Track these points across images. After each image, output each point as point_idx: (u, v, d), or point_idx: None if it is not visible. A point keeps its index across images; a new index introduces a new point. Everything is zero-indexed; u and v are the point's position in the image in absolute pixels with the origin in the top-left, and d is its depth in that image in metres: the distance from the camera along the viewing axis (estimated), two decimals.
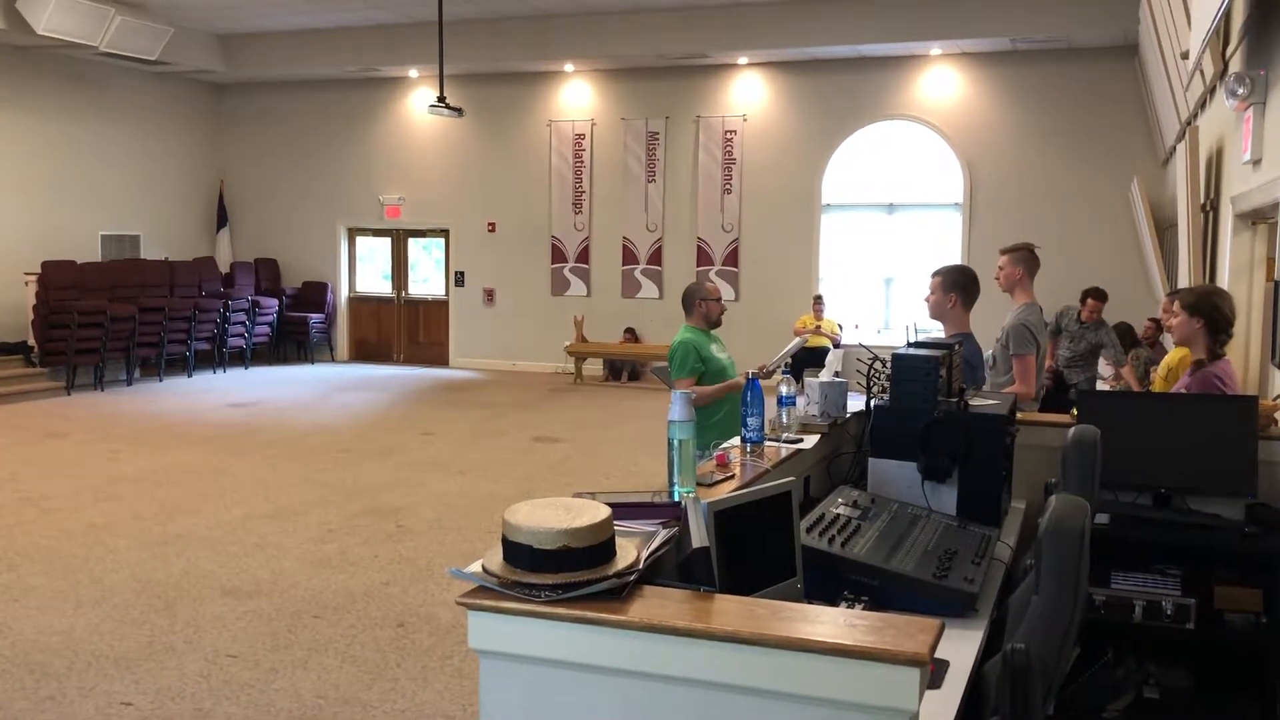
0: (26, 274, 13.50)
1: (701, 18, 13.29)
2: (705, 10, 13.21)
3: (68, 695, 4.48)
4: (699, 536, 2.09)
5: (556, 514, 1.98)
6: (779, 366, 5.63)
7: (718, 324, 5.52)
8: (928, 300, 4.88)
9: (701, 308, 5.45)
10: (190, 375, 14.56)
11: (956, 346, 3.70)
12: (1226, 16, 5.51)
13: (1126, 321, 10.15)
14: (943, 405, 3.28)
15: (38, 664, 4.79)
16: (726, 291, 14.41)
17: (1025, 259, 5.08)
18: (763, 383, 3.57)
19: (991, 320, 5.24)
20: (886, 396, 3.40)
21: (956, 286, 4.77)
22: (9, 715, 4.31)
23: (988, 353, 5.05)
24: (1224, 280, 6.13)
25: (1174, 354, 5.06)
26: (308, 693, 4.53)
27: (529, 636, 1.91)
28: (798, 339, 5.86)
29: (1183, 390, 4.23)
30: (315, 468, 8.96)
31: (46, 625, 5.27)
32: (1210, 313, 4.10)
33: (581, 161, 15.23)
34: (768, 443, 3.45)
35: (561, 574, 1.90)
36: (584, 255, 15.34)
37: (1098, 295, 9.22)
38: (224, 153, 17.24)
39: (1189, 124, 8.19)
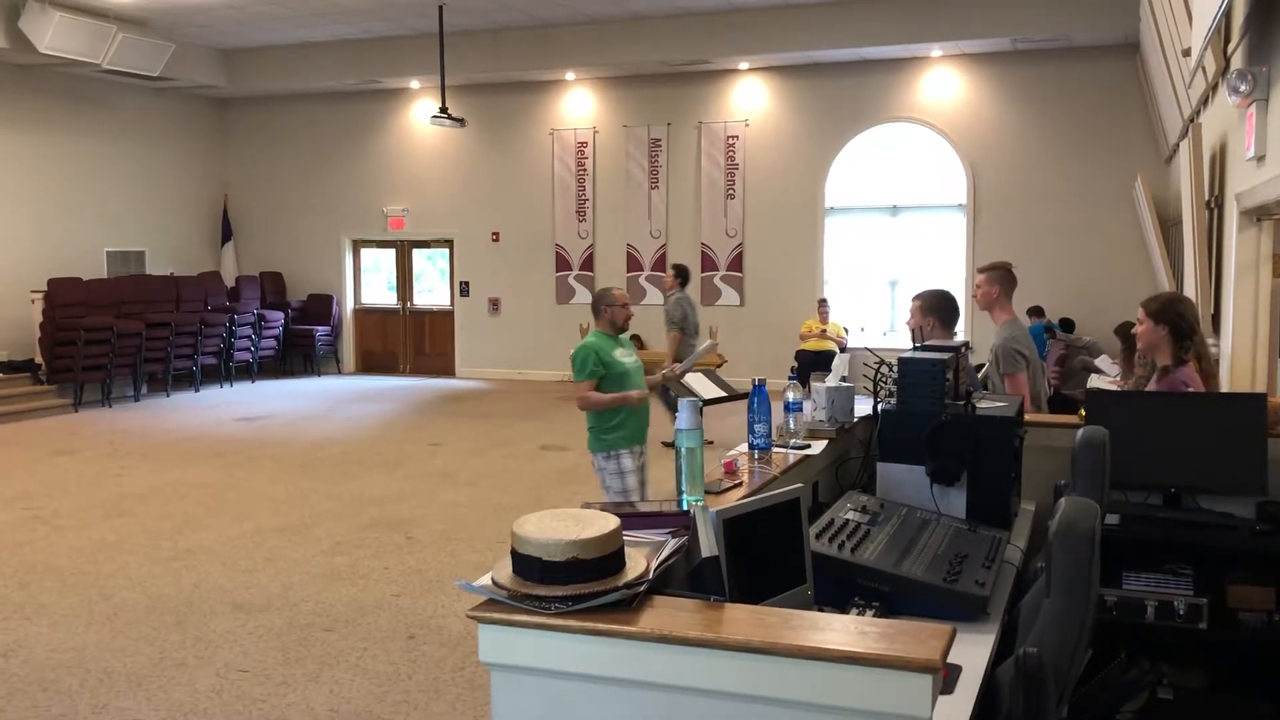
0: (33, 292, 13.55)
1: (701, 24, 13.31)
2: (705, 16, 13.23)
3: (80, 713, 4.49)
4: (708, 545, 2.09)
5: (565, 525, 1.98)
6: (688, 368, 5.88)
7: (625, 329, 5.78)
8: (909, 324, 4.99)
9: (608, 314, 5.72)
10: (197, 390, 14.59)
11: (963, 349, 3.70)
12: (1228, 13, 5.50)
13: (1131, 321, 10.12)
14: (950, 408, 3.27)
15: (50, 682, 4.80)
16: (731, 297, 14.44)
17: (1002, 278, 5.13)
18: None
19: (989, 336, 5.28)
20: (894, 400, 3.39)
21: (933, 310, 4.88)
22: None
23: (983, 369, 5.10)
24: (1230, 277, 6.11)
25: None
26: (320, 706, 4.53)
27: (540, 649, 1.91)
28: (709, 341, 6.06)
29: None
30: (324, 480, 8.97)
31: (58, 643, 5.28)
32: (1174, 320, 4.15)
33: (584, 169, 15.25)
34: (775, 449, 3.44)
35: (571, 586, 1.90)
36: (588, 263, 15.35)
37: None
38: (227, 167, 17.29)
39: (1192, 121, 8.17)
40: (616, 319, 5.71)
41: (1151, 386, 4.31)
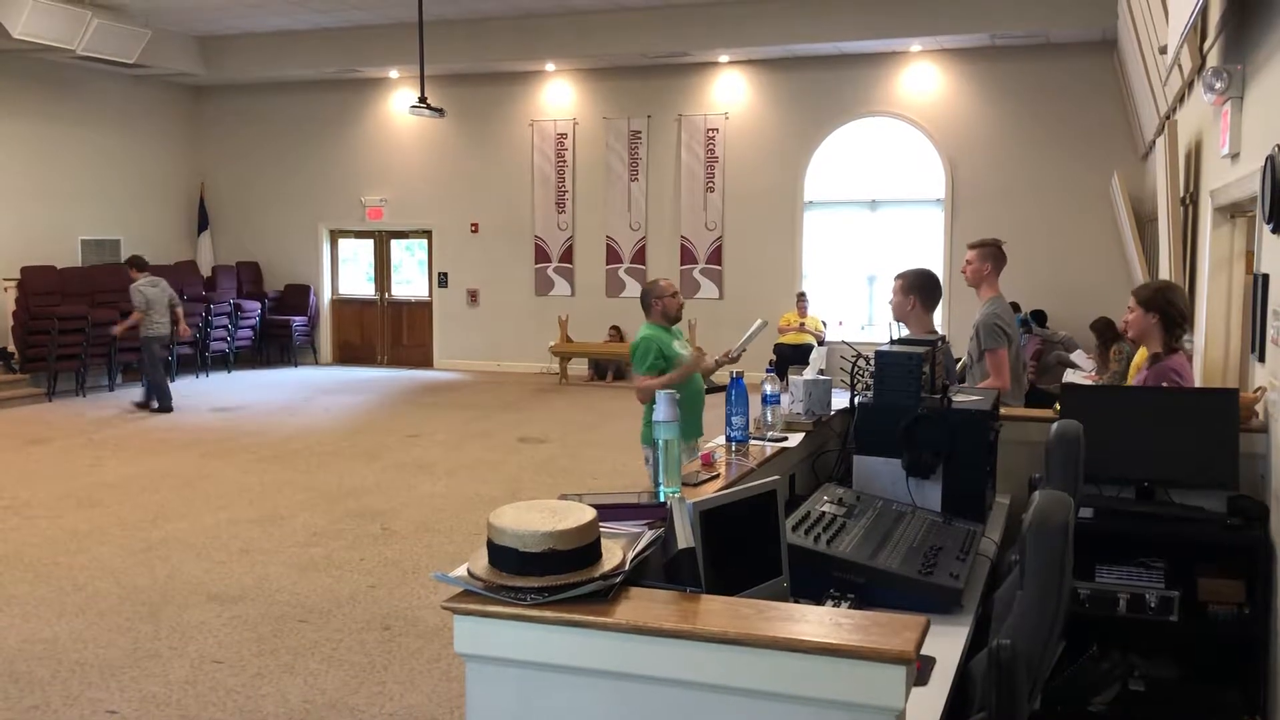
0: (6, 280, 13.40)
1: (683, 16, 13.29)
2: (686, 8, 13.21)
3: (52, 704, 4.45)
4: (685, 537, 2.09)
5: (542, 516, 1.98)
6: (743, 350, 5.78)
7: (678, 319, 5.66)
8: (890, 303, 5.01)
9: (658, 305, 5.59)
10: (173, 380, 14.43)
11: (939, 343, 3.72)
12: (1204, 11, 5.54)
13: (1107, 316, 10.21)
14: (926, 402, 3.29)
15: (21, 673, 4.76)
16: (710, 290, 14.45)
17: (992, 255, 5.18)
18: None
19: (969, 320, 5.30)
20: (870, 393, 3.41)
21: (915, 289, 4.90)
22: None
23: (962, 354, 5.13)
24: (1204, 273, 6.16)
25: (1143, 350, 5.11)
26: (295, 697, 4.51)
27: (515, 640, 1.91)
28: (759, 321, 6.01)
29: (1139, 384, 4.28)
30: (300, 471, 8.93)
31: (30, 634, 5.24)
32: (1165, 308, 4.17)
33: (564, 161, 15.21)
34: (752, 441, 3.46)
35: (547, 577, 1.90)
36: (568, 255, 15.32)
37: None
38: (204, 155, 17.14)
39: (1168, 118, 8.22)
40: (669, 310, 5.57)
41: (1143, 375, 4.33)
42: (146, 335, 11.99)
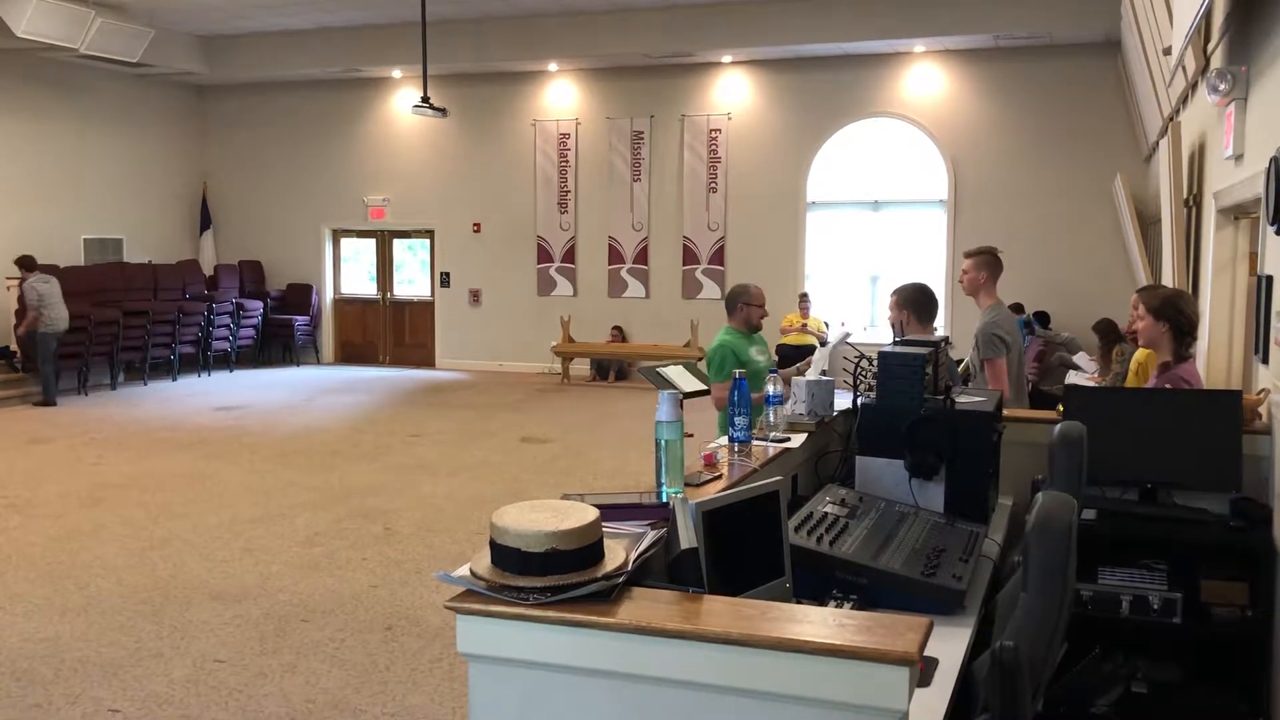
0: (8, 279, 13.40)
1: (686, 16, 13.29)
2: (689, 9, 13.21)
3: (54, 702, 4.46)
4: (687, 537, 2.09)
5: (544, 516, 1.97)
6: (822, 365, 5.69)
7: (758, 328, 5.58)
8: (889, 318, 5.04)
9: (744, 311, 5.51)
10: (175, 379, 14.49)
11: (942, 344, 3.71)
12: (1208, 13, 5.53)
13: (1109, 318, 10.20)
14: (929, 403, 3.29)
15: (24, 671, 4.76)
16: (713, 290, 14.43)
17: (988, 263, 5.20)
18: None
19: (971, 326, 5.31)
20: (873, 394, 3.40)
21: (910, 304, 4.95)
22: None
23: (963, 362, 5.14)
24: (1207, 275, 6.16)
25: (1143, 350, 5.10)
26: (296, 697, 4.51)
27: (518, 640, 1.91)
28: (840, 336, 5.91)
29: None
30: (302, 471, 8.93)
31: (32, 632, 5.24)
32: (1175, 317, 4.17)
33: (566, 161, 15.21)
34: (755, 442, 3.45)
35: (550, 577, 1.90)
36: (570, 255, 15.32)
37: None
38: (207, 155, 17.16)
39: (1171, 120, 8.22)
40: (752, 319, 5.50)
41: (1152, 382, 4.34)
42: (44, 331, 12.40)
